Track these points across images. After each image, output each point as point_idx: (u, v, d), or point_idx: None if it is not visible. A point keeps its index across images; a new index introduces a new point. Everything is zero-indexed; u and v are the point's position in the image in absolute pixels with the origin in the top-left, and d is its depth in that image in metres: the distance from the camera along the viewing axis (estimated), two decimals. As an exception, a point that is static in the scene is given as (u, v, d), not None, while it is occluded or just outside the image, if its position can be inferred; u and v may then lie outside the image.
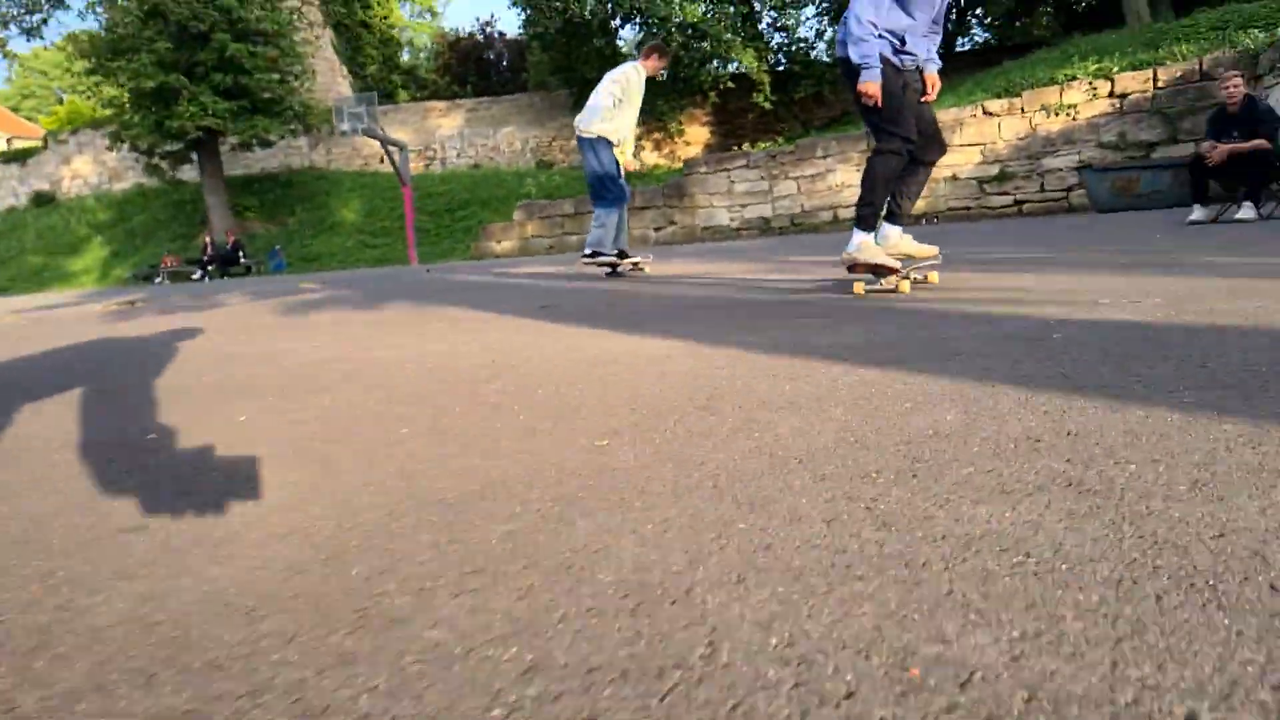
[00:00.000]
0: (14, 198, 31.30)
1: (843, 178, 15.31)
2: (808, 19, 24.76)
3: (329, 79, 30.08)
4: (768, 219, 15.99)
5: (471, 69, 32.84)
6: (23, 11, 22.41)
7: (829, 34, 24.11)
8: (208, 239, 22.18)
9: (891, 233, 3.97)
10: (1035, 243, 6.95)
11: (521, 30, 25.13)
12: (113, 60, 21.92)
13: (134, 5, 21.55)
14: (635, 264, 6.74)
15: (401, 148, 18.28)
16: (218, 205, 24.43)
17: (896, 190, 3.91)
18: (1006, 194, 14.25)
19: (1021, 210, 14.11)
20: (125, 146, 23.37)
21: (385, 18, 31.58)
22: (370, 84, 31.40)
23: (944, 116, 14.66)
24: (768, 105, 22.26)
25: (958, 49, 27.66)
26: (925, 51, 3.82)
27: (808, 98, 22.56)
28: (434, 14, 49.59)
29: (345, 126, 16.86)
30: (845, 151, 15.28)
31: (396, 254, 22.15)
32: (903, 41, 3.71)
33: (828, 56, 22.37)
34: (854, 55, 3.63)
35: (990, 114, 14.33)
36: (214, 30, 21.75)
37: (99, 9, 22.54)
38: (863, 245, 3.74)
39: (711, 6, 21.52)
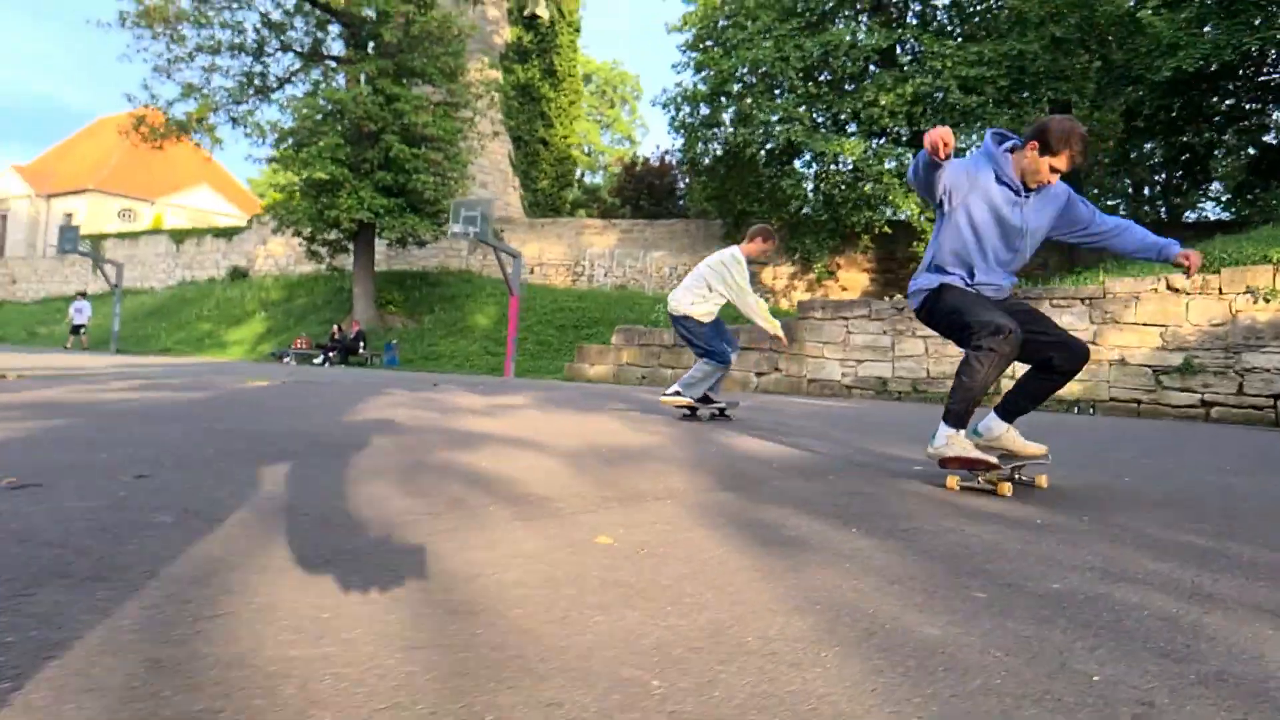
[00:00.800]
0: (216, 269, 34.10)
1: (977, 342, 12.75)
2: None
3: (499, 188, 30.91)
4: (885, 380, 13.60)
5: (644, 192, 32.83)
6: (229, 101, 24.34)
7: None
8: (336, 327, 22.45)
9: (996, 425, 3.61)
10: (1211, 474, 4.42)
11: (675, 155, 24.47)
12: (296, 152, 23.25)
13: (318, 105, 22.84)
14: (722, 411, 6.50)
15: (515, 256, 17.59)
16: (363, 296, 24.97)
17: (1020, 388, 3.61)
18: (1191, 390, 11.19)
19: (1210, 414, 10.99)
20: (290, 231, 24.49)
21: (565, 137, 32.33)
22: (540, 198, 32.03)
23: (1117, 287, 11.91)
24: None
25: (1184, 220, 24.28)
26: (1003, 279, 3.49)
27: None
28: (633, 142, 51.29)
29: (458, 229, 16.37)
30: (983, 312, 12.77)
31: (519, 365, 21.42)
32: (971, 273, 3.44)
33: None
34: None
35: (1175, 290, 11.48)
36: (384, 131, 22.61)
37: (303, 107, 24.11)
38: (950, 440, 3.39)
39: (874, 147, 19.80)
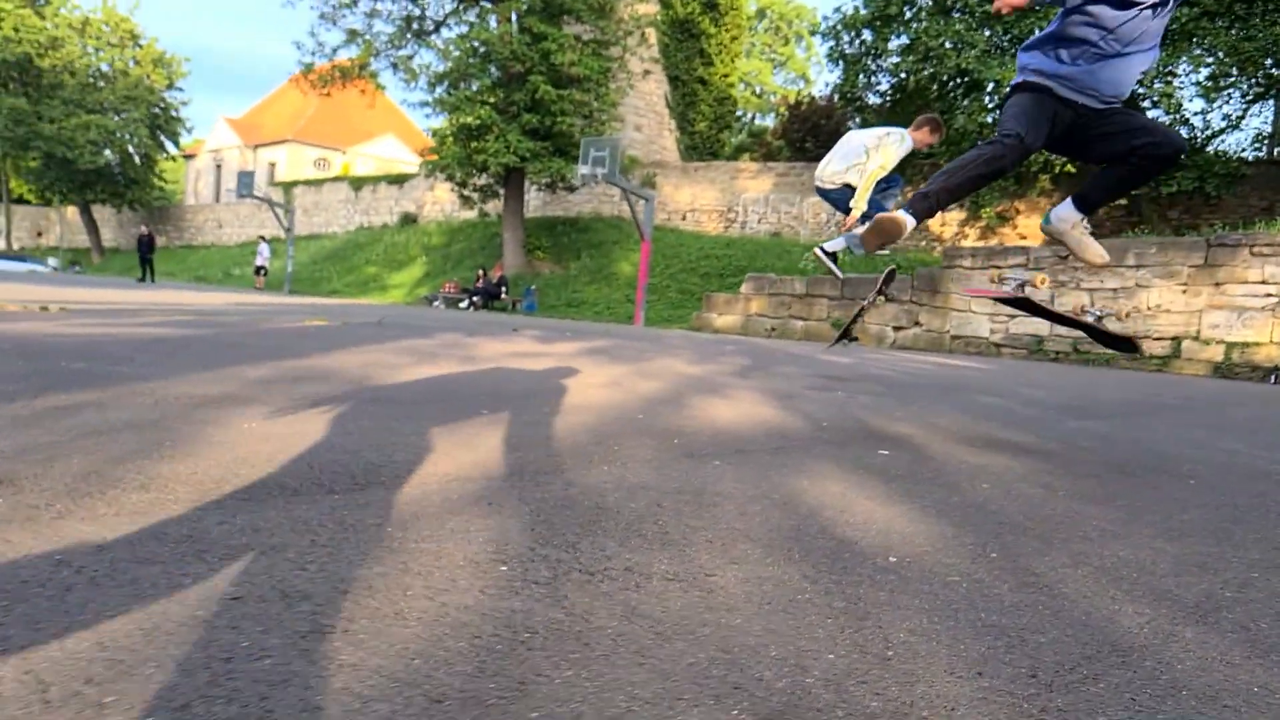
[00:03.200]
0: (390, 215, 35.58)
1: (1160, 298, 10.74)
2: (1194, 94, 18.92)
3: (654, 130, 30.04)
4: (1041, 338, 11.81)
5: (809, 133, 30.93)
6: (389, 46, 24.79)
7: (1221, 116, 18.40)
8: (481, 271, 22.65)
9: (1070, 214, 3.32)
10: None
11: (830, 92, 22.68)
12: (449, 95, 23.44)
13: (470, 47, 22.80)
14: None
15: (647, 199, 16.78)
16: (512, 242, 25.06)
17: (1096, 176, 3.27)
18: None
19: None
20: (443, 176, 24.85)
21: (726, 75, 30.86)
22: (698, 141, 30.90)
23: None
24: (1122, 199, 17.30)
25: None
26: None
27: (1185, 194, 17.17)
28: (807, 81, 48.73)
29: (585, 170, 15.73)
30: (1170, 263, 10.71)
31: (657, 314, 20.82)
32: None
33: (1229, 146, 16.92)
34: None
35: None
36: (531, 72, 22.26)
37: (453, 49, 24.24)
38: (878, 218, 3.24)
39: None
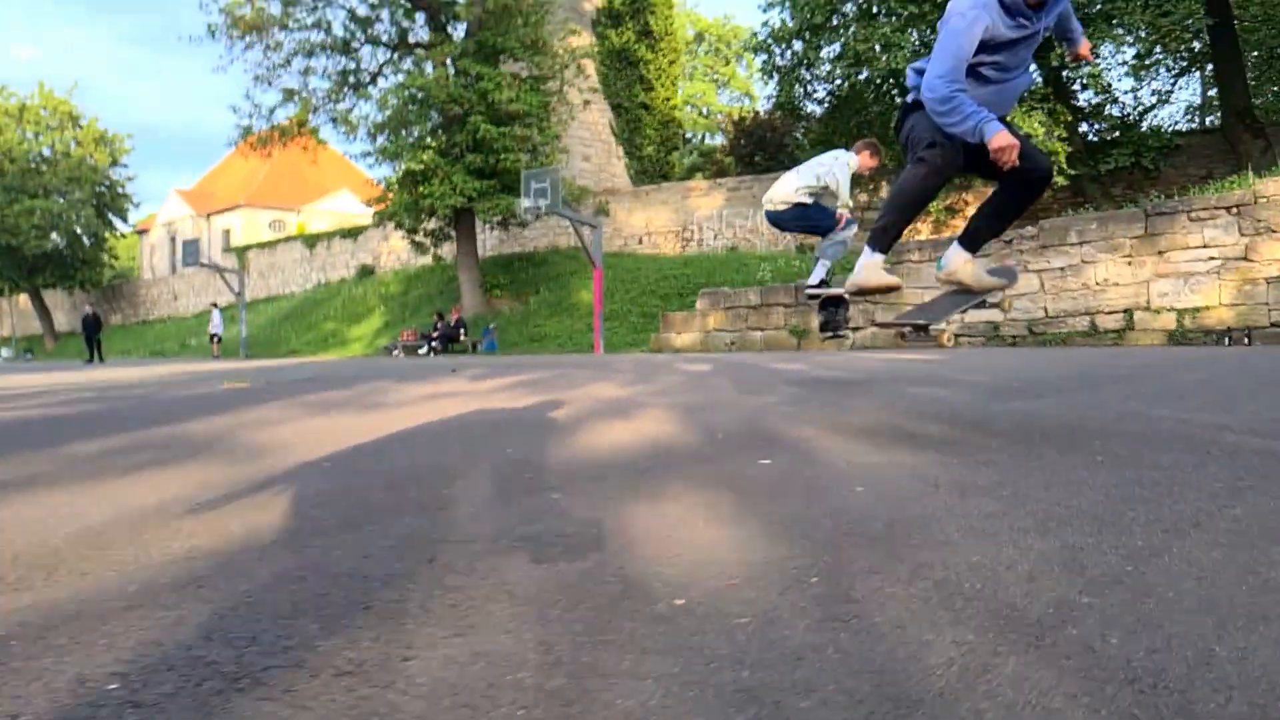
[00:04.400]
0: (346, 269, 35.21)
1: (1106, 272, 10.61)
2: (1125, 72, 19.04)
3: (603, 159, 29.99)
4: (996, 325, 11.64)
5: (757, 148, 30.97)
6: (327, 101, 24.57)
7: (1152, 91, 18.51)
8: (438, 316, 22.35)
9: (957, 256, 3.37)
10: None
11: (767, 104, 22.74)
12: (391, 144, 23.25)
13: (405, 94, 22.64)
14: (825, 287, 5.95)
15: (594, 226, 16.56)
16: (469, 283, 24.77)
17: (980, 209, 3.40)
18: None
19: None
20: (392, 225, 24.58)
21: (668, 99, 30.93)
22: (647, 165, 30.89)
23: (1271, 189, 9.47)
24: (1063, 180, 17.33)
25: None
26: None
27: (1125, 170, 17.20)
28: (752, 98, 49.11)
29: (527, 204, 15.49)
30: (1111, 236, 10.59)
31: (620, 339, 20.56)
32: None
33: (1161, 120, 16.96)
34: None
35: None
36: (470, 113, 22.11)
37: (391, 98, 24.03)
38: (865, 266, 3.42)
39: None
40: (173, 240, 52.57)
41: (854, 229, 5.85)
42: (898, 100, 19.50)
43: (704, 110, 47.35)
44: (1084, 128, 18.75)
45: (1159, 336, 10.18)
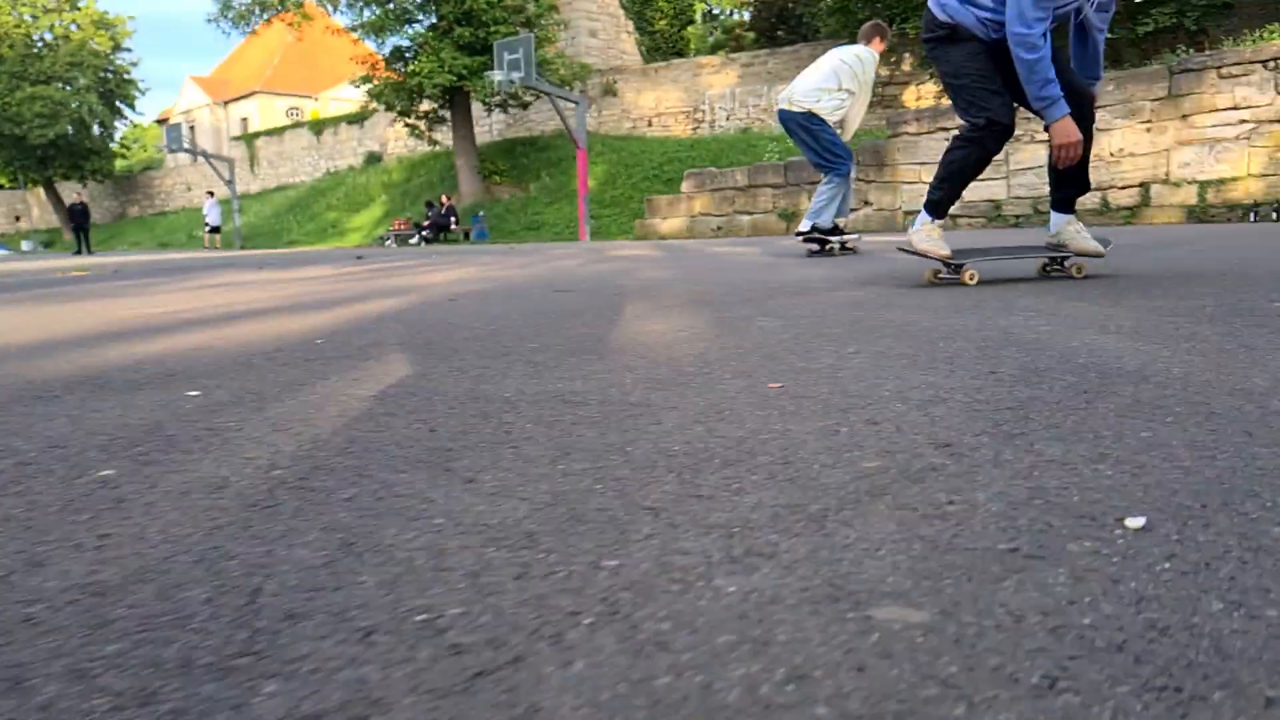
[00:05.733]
0: (354, 157, 34.15)
1: (1123, 140, 9.27)
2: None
3: (611, 35, 28.14)
4: (999, 203, 10.43)
5: (777, 19, 28.80)
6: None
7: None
8: (428, 205, 21.43)
9: (1056, 220, 3.47)
10: None
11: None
12: (375, 18, 21.88)
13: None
14: (844, 244, 6.08)
15: (576, 103, 15.31)
16: (465, 168, 23.68)
17: (1053, 175, 3.41)
18: None
19: None
20: (383, 107, 23.40)
21: (682, -33, 28.72)
22: (659, 41, 28.98)
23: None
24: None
25: None
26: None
27: (1166, 31, 15.29)
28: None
29: (500, 76, 14.26)
30: (1130, 99, 9.19)
31: (619, 227, 19.52)
32: None
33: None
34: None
35: None
36: (457, -20, 20.57)
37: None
38: (924, 232, 3.46)
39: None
40: (191, 129, 51.70)
41: (853, 171, 5.93)
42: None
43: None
44: (1125, -16, 16.68)
45: (1176, 213, 8.92)
